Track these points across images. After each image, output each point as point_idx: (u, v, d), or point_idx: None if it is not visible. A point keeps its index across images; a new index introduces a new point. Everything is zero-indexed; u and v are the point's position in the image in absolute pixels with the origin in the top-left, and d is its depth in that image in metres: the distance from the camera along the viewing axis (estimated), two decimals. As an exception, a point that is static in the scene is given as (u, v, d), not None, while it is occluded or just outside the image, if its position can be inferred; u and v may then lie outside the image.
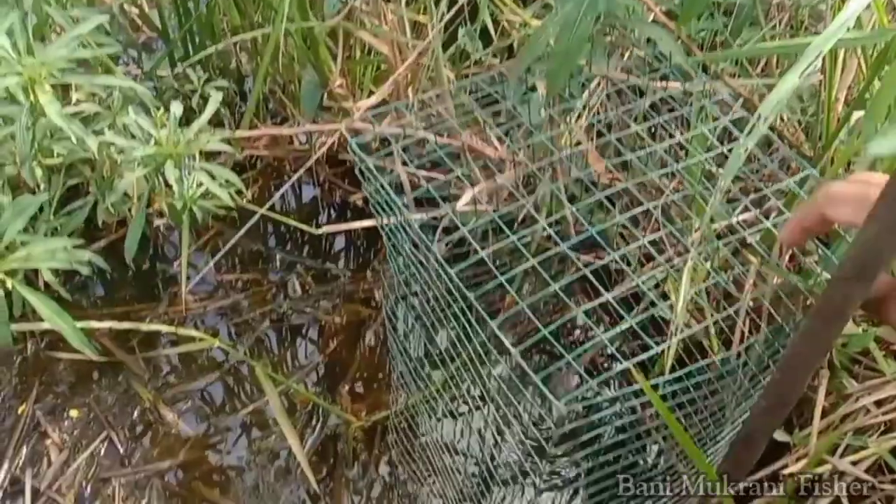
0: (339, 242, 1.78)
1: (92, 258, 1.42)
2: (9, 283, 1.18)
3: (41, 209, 1.43)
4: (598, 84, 1.36)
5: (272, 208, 1.54)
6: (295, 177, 1.53)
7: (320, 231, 1.51)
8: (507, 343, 0.74)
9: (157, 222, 1.71)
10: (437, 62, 1.40)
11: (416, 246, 0.93)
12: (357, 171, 0.93)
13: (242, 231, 1.45)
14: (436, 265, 0.87)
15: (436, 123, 1.30)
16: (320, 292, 1.68)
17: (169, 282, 1.68)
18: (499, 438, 1.27)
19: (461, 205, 1.37)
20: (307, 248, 1.76)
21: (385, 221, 0.94)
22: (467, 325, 0.84)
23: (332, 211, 1.82)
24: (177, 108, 1.43)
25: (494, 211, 1.46)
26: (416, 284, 1.02)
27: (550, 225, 1.39)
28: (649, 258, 1.46)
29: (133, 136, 1.41)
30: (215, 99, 1.50)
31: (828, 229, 0.58)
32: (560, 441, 0.73)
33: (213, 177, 1.45)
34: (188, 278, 1.58)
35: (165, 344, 1.58)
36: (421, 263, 0.94)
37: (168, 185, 1.43)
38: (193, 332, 1.42)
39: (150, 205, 1.53)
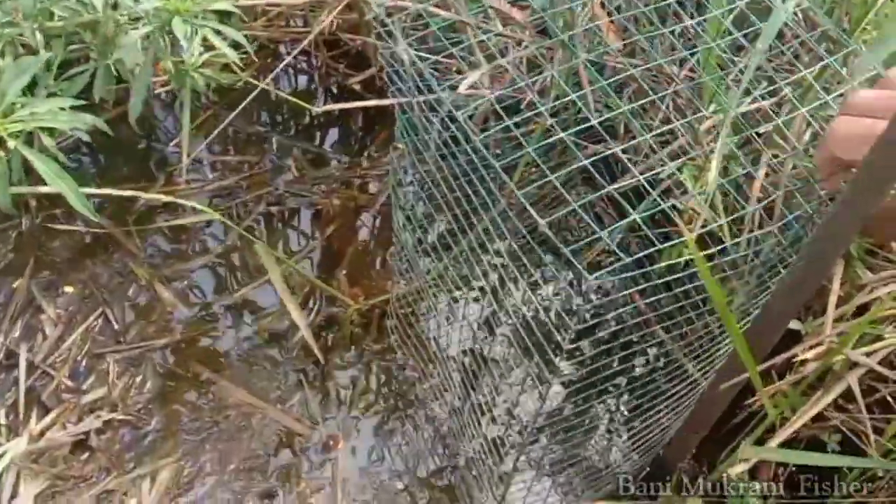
0: (335, 130, 1.75)
1: (94, 121, 1.39)
2: (10, 144, 1.15)
3: (41, 75, 1.39)
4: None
5: (268, 91, 1.50)
6: (293, 53, 1.50)
7: (318, 110, 1.48)
8: (535, 215, 0.71)
9: (159, 91, 1.68)
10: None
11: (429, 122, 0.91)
12: (375, 36, 0.90)
13: (240, 107, 1.41)
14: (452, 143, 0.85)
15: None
16: (317, 177, 1.66)
17: (166, 161, 1.66)
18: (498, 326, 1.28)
19: (463, 89, 1.34)
20: (304, 133, 1.73)
21: (401, 98, 0.92)
22: (485, 200, 0.81)
23: (329, 95, 1.78)
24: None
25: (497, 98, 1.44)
26: (423, 165, 1.00)
27: (556, 111, 1.38)
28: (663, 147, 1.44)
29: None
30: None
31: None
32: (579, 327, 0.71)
33: (221, 36, 1.40)
34: (189, 159, 1.56)
35: (162, 221, 1.57)
36: (441, 141, 0.92)
37: (173, 46, 1.38)
38: (194, 204, 1.39)
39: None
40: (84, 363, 1.41)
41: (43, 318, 1.45)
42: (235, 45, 1.39)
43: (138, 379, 1.40)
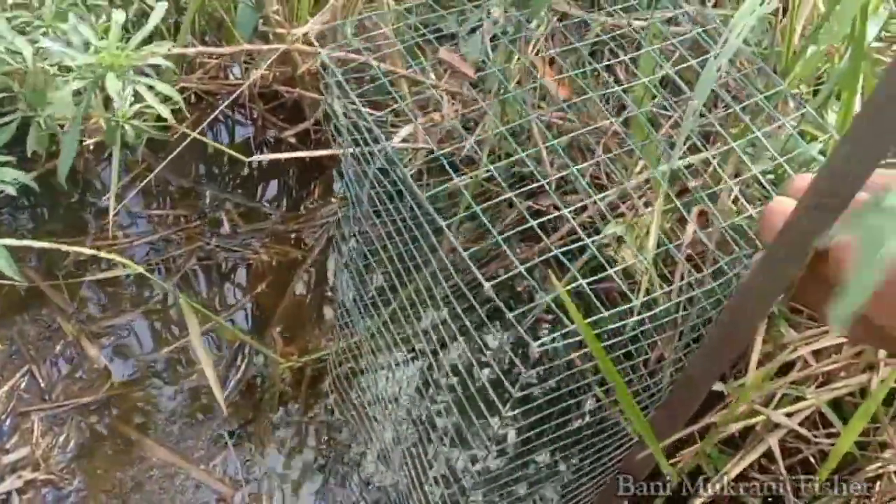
0: (270, 183, 1.75)
1: (20, 177, 1.39)
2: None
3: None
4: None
5: (204, 144, 1.51)
6: (226, 102, 1.51)
7: (251, 159, 1.48)
8: (479, 277, 0.71)
9: (88, 142, 1.67)
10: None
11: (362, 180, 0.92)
12: (322, 87, 0.90)
13: (169, 158, 1.42)
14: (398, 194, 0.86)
15: (375, 51, 1.27)
16: (250, 231, 1.66)
17: (96, 214, 1.66)
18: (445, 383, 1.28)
19: (396, 141, 1.35)
20: (239, 186, 1.74)
21: (349, 149, 0.93)
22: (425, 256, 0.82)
23: (265, 147, 1.79)
24: (119, 17, 1.37)
25: (430, 152, 1.45)
26: (361, 221, 1.01)
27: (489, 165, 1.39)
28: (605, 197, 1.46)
29: (70, 45, 1.36)
30: (160, 8, 1.43)
31: None
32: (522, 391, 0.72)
33: (154, 91, 1.40)
34: (115, 210, 1.56)
35: (90, 276, 1.57)
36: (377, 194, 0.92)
37: (106, 100, 1.38)
38: (121, 259, 1.39)
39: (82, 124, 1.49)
40: (8, 422, 1.40)
41: (-34, 376, 1.44)
42: (167, 99, 1.40)
43: (62, 438, 1.40)
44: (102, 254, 1.39)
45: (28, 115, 1.43)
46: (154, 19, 1.39)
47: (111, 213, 1.45)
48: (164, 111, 1.40)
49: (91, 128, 1.58)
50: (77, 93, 1.39)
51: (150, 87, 1.38)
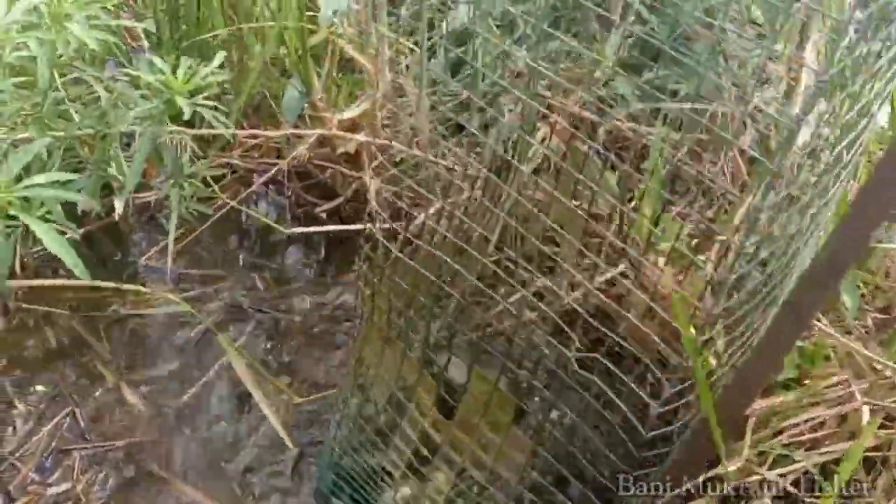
0: (299, 254, 1.90)
1: (88, 201, 1.50)
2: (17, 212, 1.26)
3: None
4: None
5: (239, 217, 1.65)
6: (265, 177, 1.65)
7: (290, 231, 1.62)
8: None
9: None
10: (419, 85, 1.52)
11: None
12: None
13: (214, 218, 1.55)
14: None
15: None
16: (281, 293, 1.79)
17: (136, 274, 1.79)
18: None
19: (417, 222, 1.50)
20: (269, 255, 1.88)
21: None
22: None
23: (296, 222, 1.93)
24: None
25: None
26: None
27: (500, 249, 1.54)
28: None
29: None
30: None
31: None
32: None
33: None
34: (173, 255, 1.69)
35: (130, 326, 1.69)
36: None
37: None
38: (171, 297, 1.50)
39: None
40: (50, 458, 1.49)
41: (14, 413, 1.53)
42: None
43: (101, 475, 1.48)
44: (143, 289, 1.52)
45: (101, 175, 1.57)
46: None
47: (170, 255, 1.57)
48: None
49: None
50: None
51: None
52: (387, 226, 1.33)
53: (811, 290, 0.66)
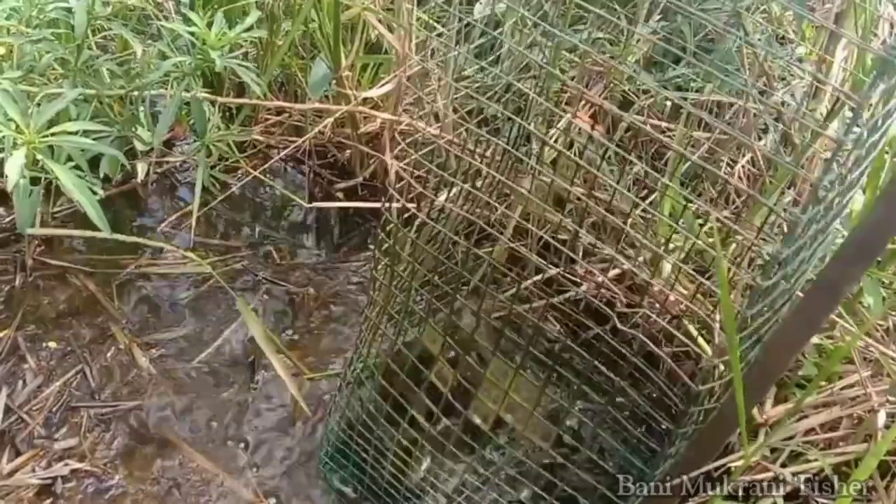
0: (314, 229, 1.90)
1: (116, 153, 1.51)
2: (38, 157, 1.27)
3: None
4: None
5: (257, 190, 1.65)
6: (286, 151, 1.66)
7: (310, 205, 1.62)
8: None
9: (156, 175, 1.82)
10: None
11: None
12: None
13: (231, 190, 1.56)
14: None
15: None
16: (294, 265, 1.80)
17: (154, 238, 1.79)
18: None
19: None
20: (286, 228, 1.89)
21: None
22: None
23: (313, 199, 1.94)
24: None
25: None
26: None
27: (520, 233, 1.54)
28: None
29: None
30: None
31: None
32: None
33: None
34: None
35: (145, 289, 1.69)
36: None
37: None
38: (191, 255, 1.48)
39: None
40: (59, 414, 1.49)
41: (25, 368, 1.53)
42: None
43: (108, 435, 1.48)
44: (169, 246, 1.52)
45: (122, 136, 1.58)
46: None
47: (194, 217, 1.57)
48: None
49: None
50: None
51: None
52: (408, 205, 1.34)
53: (846, 266, 0.67)
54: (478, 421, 1.08)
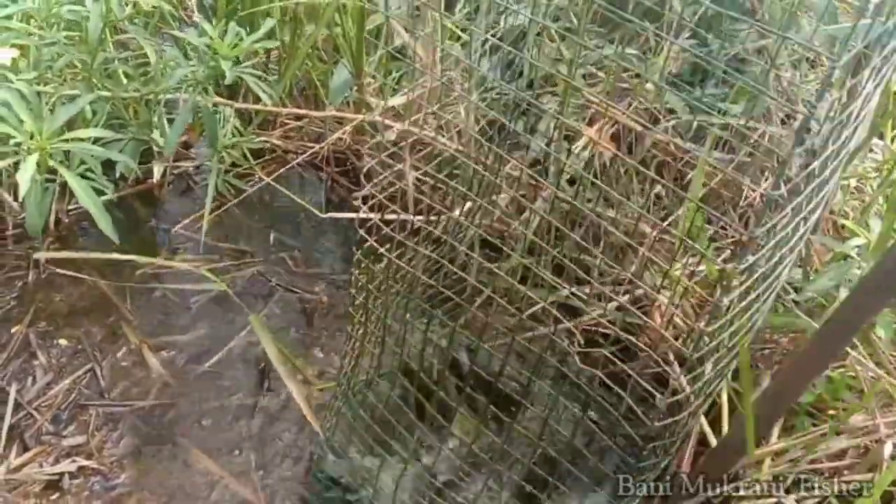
0: (329, 237, 1.90)
1: (126, 160, 1.51)
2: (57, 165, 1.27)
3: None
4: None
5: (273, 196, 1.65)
6: (302, 156, 1.66)
7: (325, 215, 1.63)
8: None
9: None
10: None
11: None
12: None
13: (245, 195, 1.56)
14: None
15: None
16: (307, 274, 1.80)
17: (168, 241, 1.80)
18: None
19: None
20: (300, 235, 1.89)
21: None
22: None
23: (330, 206, 1.94)
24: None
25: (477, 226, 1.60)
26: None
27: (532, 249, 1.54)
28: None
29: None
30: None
31: None
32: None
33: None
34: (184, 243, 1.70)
35: (157, 292, 1.70)
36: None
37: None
38: (207, 273, 1.48)
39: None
40: (67, 411, 1.50)
41: (35, 364, 1.54)
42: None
43: (115, 434, 1.49)
44: (176, 264, 1.53)
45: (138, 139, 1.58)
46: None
47: (205, 222, 1.57)
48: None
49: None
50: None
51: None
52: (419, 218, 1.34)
53: (872, 294, 0.67)
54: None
